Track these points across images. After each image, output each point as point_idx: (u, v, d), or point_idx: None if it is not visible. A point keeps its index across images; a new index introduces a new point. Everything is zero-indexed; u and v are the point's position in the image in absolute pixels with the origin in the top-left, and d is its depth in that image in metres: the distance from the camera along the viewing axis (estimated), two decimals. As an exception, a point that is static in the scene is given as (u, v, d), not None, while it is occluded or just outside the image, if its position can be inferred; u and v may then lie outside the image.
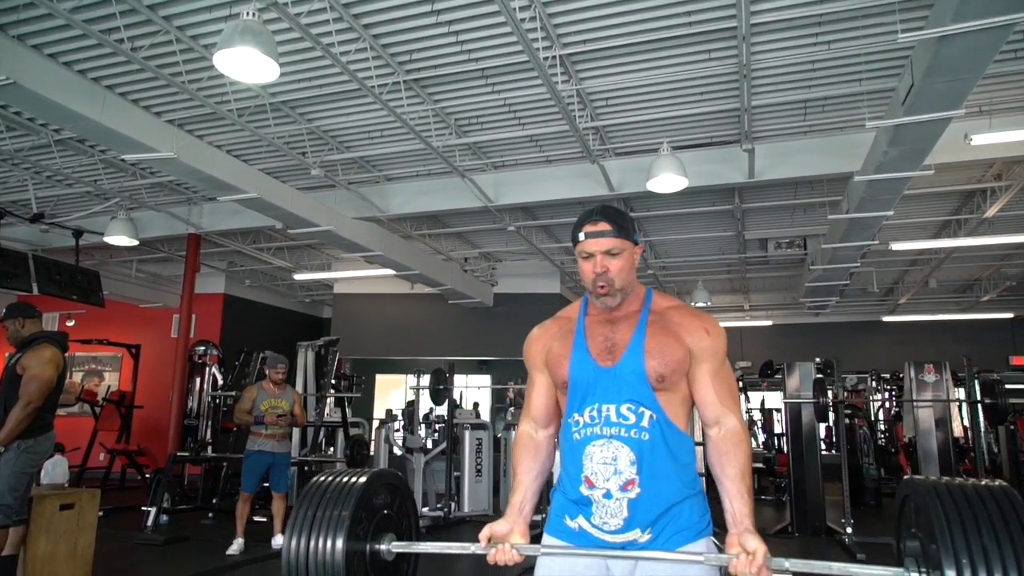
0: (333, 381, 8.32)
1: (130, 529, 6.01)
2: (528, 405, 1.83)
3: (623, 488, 1.58)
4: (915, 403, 6.57)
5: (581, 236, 1.67)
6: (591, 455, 1.62)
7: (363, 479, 1.80)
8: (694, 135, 6.28)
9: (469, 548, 1.68)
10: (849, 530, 5.64)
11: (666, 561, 1.56)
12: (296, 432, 8.31)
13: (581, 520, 1.62)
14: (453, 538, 6.57)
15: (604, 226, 1.65)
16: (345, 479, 1.80)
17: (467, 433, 7.41)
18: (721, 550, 1.58)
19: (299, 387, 7.94)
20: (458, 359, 11.02)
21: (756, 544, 1.49)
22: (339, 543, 1.67)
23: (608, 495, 1.59)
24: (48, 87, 4.29)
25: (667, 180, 5.76)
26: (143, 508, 6.18)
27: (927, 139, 4.60)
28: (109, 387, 9.93)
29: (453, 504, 7.04)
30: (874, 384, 9.98)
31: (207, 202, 7.89)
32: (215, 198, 6.78)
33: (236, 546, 5.16)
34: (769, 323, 13.24)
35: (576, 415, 1.66)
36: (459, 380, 12.27)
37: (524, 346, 1.86)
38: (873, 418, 9.38)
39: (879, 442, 8.12)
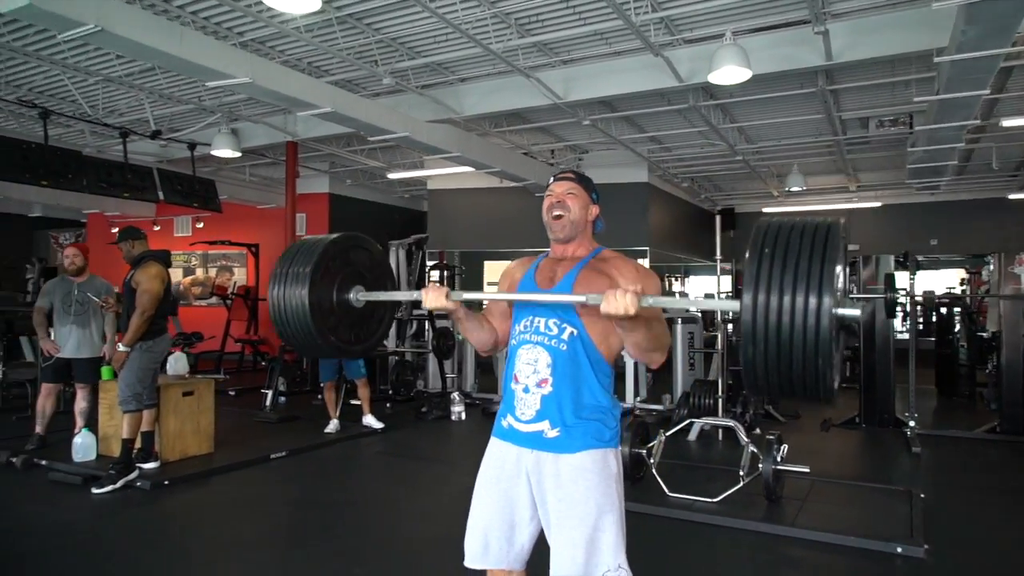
0: (435, 276, 8.86)
1: (252, 408, 7.04)
2: (489, 312, 2.17)
3: (538, 385, 1.93)
4: (999, 298, 6.23)
5: (550, 180, 2.09)
6: (520, 356, 1.98)
7: (332, 237, 2.19)
8: (765, 18, 5.91)
9: (413, 295, 2.06)
10: (912, 423, 5.66)
11: (568, 465, 1.90)
12: (393, 325, 9.11)
13: (509, 418, 1.99)
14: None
15: (570, 175, 2.11)
16: (307, 245, 2.19)
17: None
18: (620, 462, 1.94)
19: (392, 283, 8.59)
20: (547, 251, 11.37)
21: (630, 284, 1.72)
22: (302, 293, 2.06)
23: (527, 389, 1.95)
24: (130, 29, 4.75)
25: (730, 72, 5.56)
26: (262, 390, 7.19)
27: (1011, 14, 4.16)
28: (235, 282, 11.14)
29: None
30: (992, 267, 9.36)
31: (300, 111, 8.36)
32: (302, 110, 7.22)
33: (332, 426, 5.98)
34: (878, 204, 12.46)
35: (516, 326, 2.02)
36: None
37: (500, 275, 2.23)
38: (973, 307, 8.88)
39: (977, 331, 7.76)
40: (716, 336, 6.38)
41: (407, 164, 10.69)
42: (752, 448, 4.21)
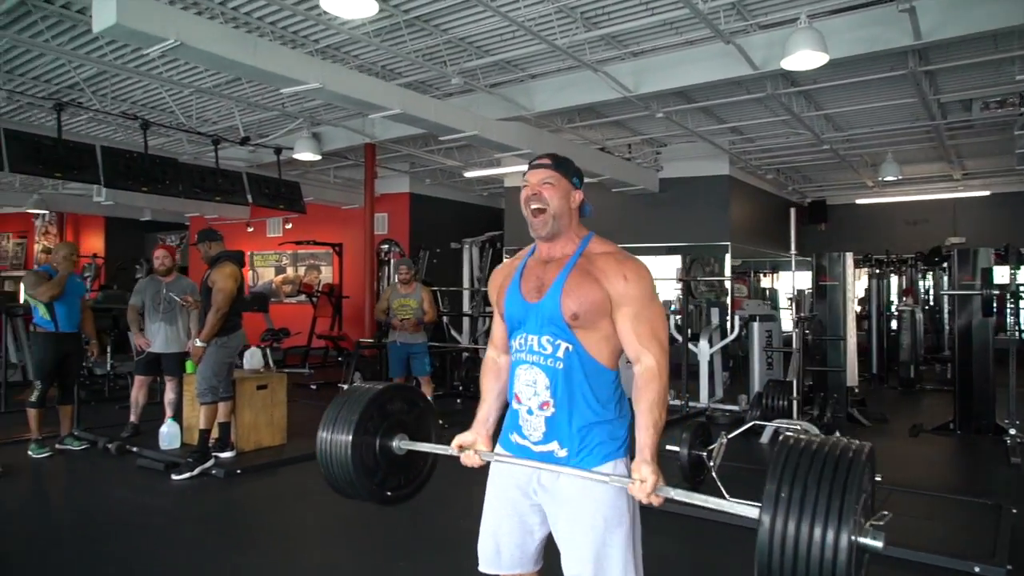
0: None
1: (329, 402, 7.30)
2: (492, 334, 2.13)
3: (540, 407, 1.85)
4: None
5: (526, 169, 1.91)
6: (519, 376, 1.90)
7: (378, 388, 2.24)
8: (845, -2, 5.58)
9: (448, 450, 2.08)
10: (1013, 431, 5.21)
11: (577, 477, 1.81)
12: (465, 322, 9.21)
13: (515, 435, 1.92)
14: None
15: (545, 161, 1.88)
16: (364, 389, 2.25)
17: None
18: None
19: (465, 281, 8.70)
20: (626, 246, 11.20)
21: (647, 473, 1.70)
22: (348, 436, 2.07)
23: (530, 411, 1.88)
24: (208, 42, 5.02)
25: (805, 57, 5.29)
26: (338, 385, 7.45)
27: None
28: (320, 280, 11.60)
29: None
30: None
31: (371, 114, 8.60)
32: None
33: (399, 420, 6.12)
34: (986, 193, 11.51)
35: (512, 342, 1.94)
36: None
37: (488, 283, 2.14)
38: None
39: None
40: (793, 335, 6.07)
41: (483, 163, 10.79)
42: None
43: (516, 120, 8.03)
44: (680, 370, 7.07)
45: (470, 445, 1.99)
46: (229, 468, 4.70)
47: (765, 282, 15.47)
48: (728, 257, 10.12)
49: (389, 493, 2.22)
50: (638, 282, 1.81)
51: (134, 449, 5.14)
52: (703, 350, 7.08)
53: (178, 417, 5.40)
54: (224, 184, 8.72)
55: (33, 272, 5.29)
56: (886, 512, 1.66)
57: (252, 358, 5.53)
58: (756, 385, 6.71)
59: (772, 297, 12.96)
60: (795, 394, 5.59)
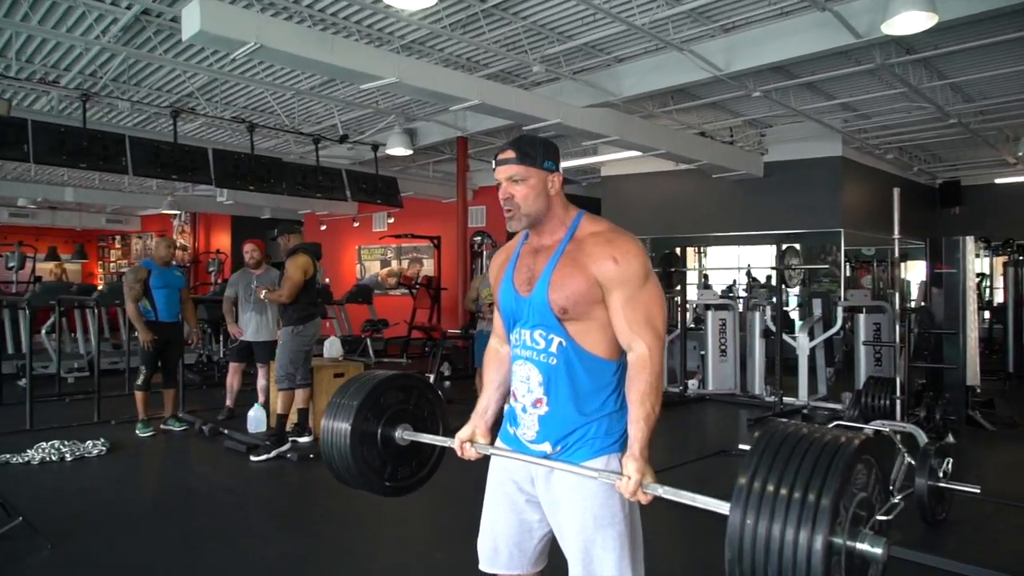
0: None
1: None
2: (495, 323, 2.04)
3: (534, 405, 1.77)
4: None
5: (493, 165, 1.80)
6: (515, 372, 1.83)
7: (375, 381, 2.20)
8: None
9: (447, 442, 2.03)
10: None
11: (567, 472, 1.71)
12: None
13: (513, 429, 1.84)
14: (683, 415, 6.84)
15: (508, 154, 1.74)
16: (362, 380, 2.22)
17: (710, 313, 7.37)
18: None
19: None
20: (727, 235, 10.68)
21: (633, 470, 1.59)
22: (347, 426, 2.04)
23: (524, 409, 1.80)
24: (286, 43, 5.22)
25: (910, 19, 4.78)
26: (426, 374, 7.59)
27: None
28: (419, 272, 11.88)
29: (694, 383, 7.19)
30: None
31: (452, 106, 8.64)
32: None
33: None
34: None
35: (510, 336, 1.85)
36: (729, 255, 11.82)
37: (489, 269, 2.06)
38: None
39: None
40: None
41: (576, 152, 10.62)
42: (908, 458, 3.58)
43: (604, 107, 7.81)
44: (774, 364, 6.63)
45: (467, 438, 1.93)
46: (303, 452, 4.89)
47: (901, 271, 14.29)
48: (842, 245, 9.38)
49: (388, 484, 2.18)
50: (629, 263, 1.67)
51: (225, 431, 5.47)
52: (802, 344, 6.60)
53: (267, 402, 5.69)
54: (324, 181, 9.11)
55: (133, 268, 5.74)
56: (892, 511, 1.45)
57: (331, 347, 5.72)
58: (862, 383, 6.17)
59: (900, 287, 11.94)
60: (898, 393, 5.08)
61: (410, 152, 8.91)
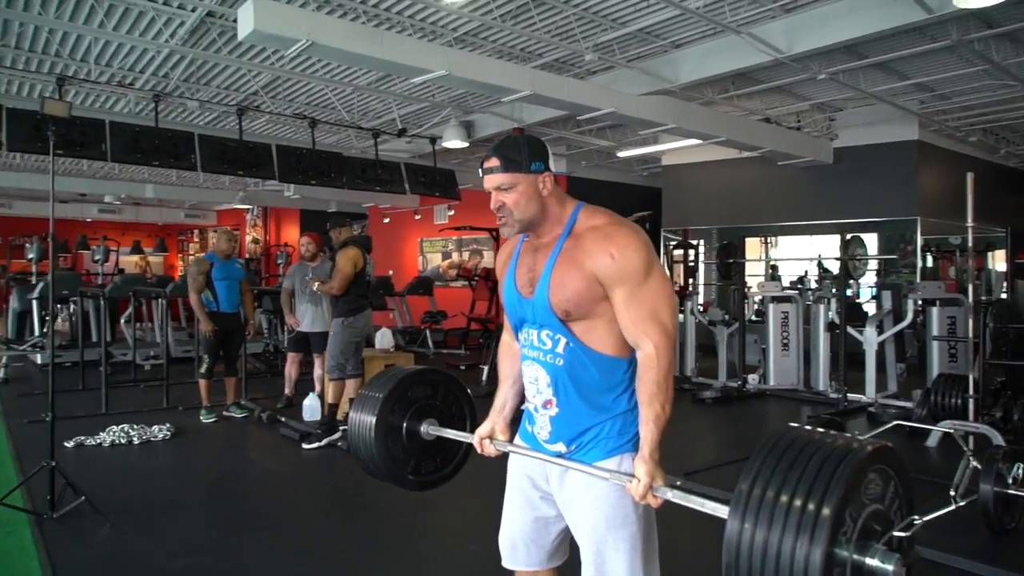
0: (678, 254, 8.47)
1: (471, 384, 7.51)
2: (504, 318, 2.02)
3: (544, 406, 1.74)
4: None
5: (480, 173, 1.74)
6: (524, 373, 1.81)
7: (400, 376, 2.20)
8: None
9: (468, 438, 2.02)
10: None
11: (580, 472, 1.68)
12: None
13: (531, 427, 1.83)
14: (741, 410, 6.63)
15: (493, 162, 1.68)
16: (385, 377, 2.23)
17: (771, 306, 7.12)
18: None
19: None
20: (793, 224, 10.30)
21: (643, 473, 1.56)
22: (372, 419, 2.08)
23: (536, 410, 1.78)
24: (337, 39, 5.31)
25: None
26: (480, 366, 7.63)
27: None
28: (479, 264, 11.95)
29: (755, 377, 6.97)
30: None
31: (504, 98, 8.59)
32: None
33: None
34: None
35: (519, 334, 1.82)
36: (801, 245, 11.41)
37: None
38: None
39: None
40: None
41: (636, 141, 10.43)
42: (974, 461, 3.36)
43: (661, 94, 7.62)
44: (837, 358, 6.35)
45: (487, 435, 1.92)
46: (353, 441, 4.99)
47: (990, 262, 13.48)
48: (918, 236, 8.89)
49: (412, 477, 2.19)
50: (628, 258, 1.60)
51: (282, 419, 5.65)
52: (869, 338, 6.30)
53: (322, 392, 5.84)
54: (383, 175, 9.27)
55: (196, 260, 5.98)
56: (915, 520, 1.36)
57: (383, 338, 5.82)
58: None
59: (986, 278, 11.26)
60: (971, 391, 4.77)
61: (466, 144, 8.94)
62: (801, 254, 12.30)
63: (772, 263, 11.98)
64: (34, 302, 9.16)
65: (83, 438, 5.02)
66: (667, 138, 10.18)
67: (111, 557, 3.11)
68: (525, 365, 1.78)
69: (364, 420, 2.09)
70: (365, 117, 9.59)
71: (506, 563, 1.89)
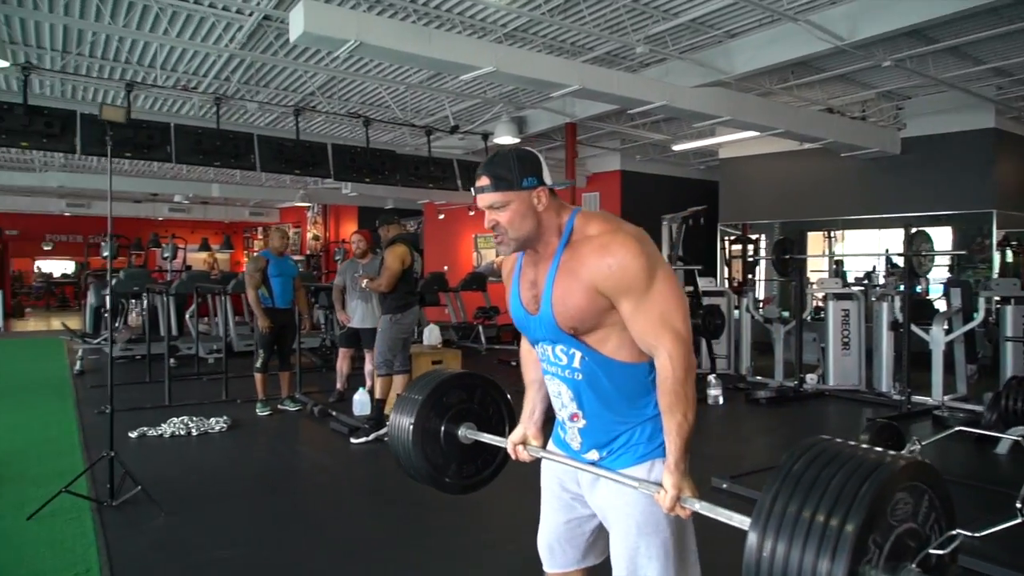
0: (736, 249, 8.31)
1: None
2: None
3: (571, 419, 1.73)
4: None
5: (472, 192, 1.70)
6: (547, 385, 1.79)
7: (438, 380, 2.11)
8: None
9: (504, 443, 2.00)
10: None
11: (610, 480, 1.66)
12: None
13: (563, 434, 1.80)
14: (796, 411, 6.40)
15: (484, 181, 1.62)
16: (428, 378, 2.21)
17: (831, 303, 6.86)
18: None
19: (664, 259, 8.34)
20: (857, 218, 9.93)
21: (670, 484, 1.53)
22: (410, 425, 2.03)
23: (563, 421, 1.77)
24: (385, 39, 5.37)
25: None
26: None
27: None
28: (531, 261, 11.93)
29: (813, 377, 6.73)
30: None
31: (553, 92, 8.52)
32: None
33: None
34: None
35: (535, 347, 1.78)
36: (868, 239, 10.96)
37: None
38: None
39: None
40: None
41: (692, 134, 10.21)
42: (1043, 472, 3.15)
43: (715, 86, 7.44)
44: (901, 359, 6.07)
45: (519, 440, 1.91)
46: (399, 436, 5.05)
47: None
48: (993, 226, 8.42)
49: (449, 480, 2.17)
50: (627, 268, 1.53)
51: (333, 413, 5.77)
52: (936, 337, 5.99)
53: (373, 387, 5.93)
54: (436, 171, 9.34)
55: (253, 258, 6.15)
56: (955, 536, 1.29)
57: (430, 334, 5.87)
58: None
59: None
60: (1046, 395, 4.49)
61: (517, 140, 8.93)
62: (869, 249, 11.82)
63: (837, 259, 11.54)
64: (107, 298, 9.61)
65: (146, 429, 5.24)
66: (724, 131, 9.92)
67: (161, 545, 3.23)
68: (547, 379, 1.76)
69: (402, 425, 2.08)
70: (418, 115, 9.69)
71: (546, 567, 1.88)
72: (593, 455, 1.70)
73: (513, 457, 1.93)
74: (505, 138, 8.74)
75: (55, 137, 6.67)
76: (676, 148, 10.43)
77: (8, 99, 6.84)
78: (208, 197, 15.56)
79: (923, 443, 3.66)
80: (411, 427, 2.04)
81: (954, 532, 1.34)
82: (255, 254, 6.51)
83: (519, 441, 1.90)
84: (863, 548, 1.14)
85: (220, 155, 7.80)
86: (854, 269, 11.89)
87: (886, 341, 6.44)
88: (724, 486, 3.88)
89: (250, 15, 6.16)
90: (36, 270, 20.71)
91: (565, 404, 1.70)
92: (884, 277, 8.73)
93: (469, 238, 14.44)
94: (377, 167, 8.87)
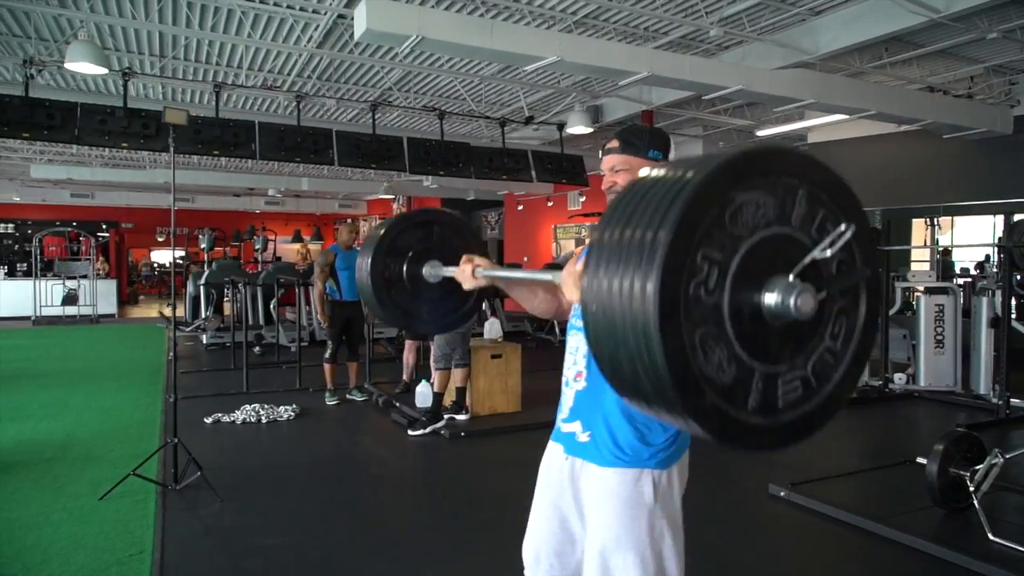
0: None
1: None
2: None
3: (575, 378, 1.70)
4: None
5: (599, 154, 1.81)
6: (569, 343, 1.79)
7: (386, 226, 2.04)
8: None
9: (454, 272, 1.85)
10: None
11: (591, 481, 1.63)
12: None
13: (559, 422, 1.77)
14: (882, 413, 5.96)
15: (613, 143, 1.74)
16: (375, 232, 2.07)
17: (923, 299, 6.35)
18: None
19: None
20: (962, 204, 9.18)
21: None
22: (367, 272, 1.97)
23: (567, 383, 1.74)
24: (447, 32, 5.37)
25: None
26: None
27: None
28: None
29: (902, 377, 6.27)
30: None
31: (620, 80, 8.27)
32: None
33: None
34: None
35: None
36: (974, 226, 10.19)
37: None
38: None
39: None
40: None
41: (777, 118, 9.70)
42: None
43: (798, 67, 7.01)
44: (998, 360, 5.55)
45: (472, 261, 1.77)
46: (455, 431, 5.08)
47: None
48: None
49: (424, 321, 2.11)
50: None
51: (396, 404, 5.87)
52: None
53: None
54: (510, 163, 9.33)
55: (323, 252, 6.33)
56: None
57: (491, 328, 5.86)
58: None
59: None
60: None
61: (591, 130, 8.76)
62: (981, 239, 10.90)
63: (942, 248, 10.70)
64: (201, 287, 10.20)
65: (220, 415, 5.51)
66: (812, 114, 9.38)
67: (213, 531, 3.37)
68: (570, 336, 1.77)
69: (362, 279, 2.01)
70: (493, 107, 9.69)
71: (528, 573, 1.81)
72: (576, 427, 1.66)
73: (461, 278, 1.78)
74: (578, 128, 8.59)
75: (151, 138, 7.09)
76: (760, 133, 9.96)
77: (110, 103, 7.35)
78: (299, 191, 16.22)
79: (1008, 455, 3.34)
80: (370, 278, 1.97)
81: (843, 226, 1.15)
82: (324, 248, 6.69)
83: (471, 261, 1.76)
84: (680, 264, 0.96)
85: (300, 151, 8.08)
86: (962, 260, 11.00)
87: (985, 339, 5.90)
88: (782, 494, 3.66)
89: (325, 15, 6.31)
90: (149, 260, 22.29)
91: (576, 361, 1.70)
92: (996, 268, 8.02)
93: (549, 229, 14.37)
94: (451, 160, 8.95)
